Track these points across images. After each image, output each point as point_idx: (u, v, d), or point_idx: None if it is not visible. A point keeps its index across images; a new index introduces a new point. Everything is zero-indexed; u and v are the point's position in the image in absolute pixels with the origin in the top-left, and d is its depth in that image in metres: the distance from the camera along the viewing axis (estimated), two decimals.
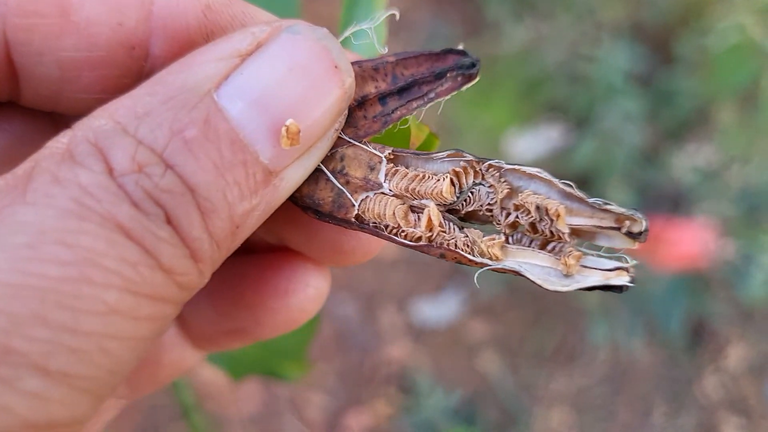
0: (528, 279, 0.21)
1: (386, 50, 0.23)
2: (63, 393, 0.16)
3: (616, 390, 1.24)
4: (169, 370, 0.30)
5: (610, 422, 1.21)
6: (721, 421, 1.19)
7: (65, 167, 0.18)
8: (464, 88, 0.23)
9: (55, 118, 0.26)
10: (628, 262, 0.21)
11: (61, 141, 0.18)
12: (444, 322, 1.29)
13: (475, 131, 1.39)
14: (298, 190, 0.22)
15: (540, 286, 0.21)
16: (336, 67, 0.21)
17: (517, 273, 0.21)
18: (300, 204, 0.23)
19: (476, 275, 0.22)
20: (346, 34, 0.23)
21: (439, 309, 1.29)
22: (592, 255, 0.21)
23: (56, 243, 0.16)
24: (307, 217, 0.24)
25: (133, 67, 0.23)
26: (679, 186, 1.28)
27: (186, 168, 0.18)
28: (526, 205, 0.22)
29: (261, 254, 0.28)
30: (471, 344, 1.28)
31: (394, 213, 0.22)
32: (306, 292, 0.28)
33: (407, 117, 0.23)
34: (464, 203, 0.23)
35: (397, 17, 0.23)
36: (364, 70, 0.23)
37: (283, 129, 0.20)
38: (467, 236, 0.22)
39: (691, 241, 1.16)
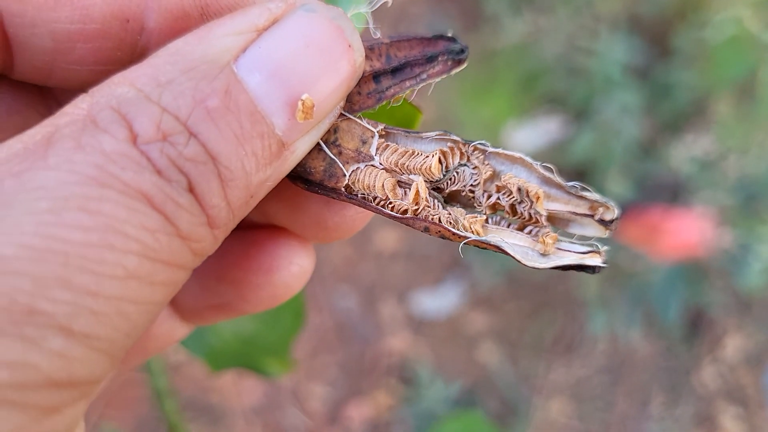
0: (508, 254, 0.22)
1: (379, 34, 0.23)
2: (84, 353, 0.16)
3: (614, 380, 1.24)
4: (158, 342, 0.30)
5: (608, 412, 1.22)
6: (718, 411, 1.20)
7: (88, 133, 0.18)
8: (453, 72, 0.24)
9: (44, 93, 0.26)
10: (600, 248, 0.22)
11: (80, 107, 0.19)
12: (444, 313, 1.29)
13: (475, 123, 1.39)
14: None
15: (519, 262, 0.22)
16: (350, 46, 0.21)
17: (498, 248, 0.22)
18: (290, 174, 0.24)
19: (459, 246, 0.23)
20: (349, 15, 0.23)
21: (438, 301, 1.30)
22: (567, 240, 0.22)
23: (79, 209, 0.17)
24: (293, 191, 0.25)
25: (127, 40, 0.23)
26: (677, 177, 1.28)
27: (209, 137, 0.19)
28: (508, 185, 0.22)
29: (246, 231, 0.29)
30: (471, 335, 1.28)
31: (383, 185, 0.23)
32: (290, 269, 0.28)
33: (400, 95, 0.24)
34: (449, 182, 0.23)
35: (390, 4, 0.24)
36: None
37: (300, 103, 0.20)
38: (450, 213, 0.23)
39: (689, 231, 1.17)
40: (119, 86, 0.19)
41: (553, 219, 0.23)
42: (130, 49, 0.23)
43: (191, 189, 0.19)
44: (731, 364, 1.22)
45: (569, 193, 0.22)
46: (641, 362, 1.25)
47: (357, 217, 0.27)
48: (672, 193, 1.28)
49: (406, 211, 0.23)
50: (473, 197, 0.23)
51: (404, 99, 0.25)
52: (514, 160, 0.23)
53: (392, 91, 0.24)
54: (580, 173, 1.33)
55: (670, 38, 1.37)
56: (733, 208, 1.19)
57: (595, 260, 0.21)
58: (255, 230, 0.29)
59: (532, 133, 1.36)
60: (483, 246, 0.22)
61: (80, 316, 0.16)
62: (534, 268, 0.22)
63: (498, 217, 0.23)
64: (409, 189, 0.23)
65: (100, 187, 0.17)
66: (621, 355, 1.25)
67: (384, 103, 0.24)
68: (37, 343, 0.16)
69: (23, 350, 0.16)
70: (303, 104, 0.20)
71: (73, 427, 0.18)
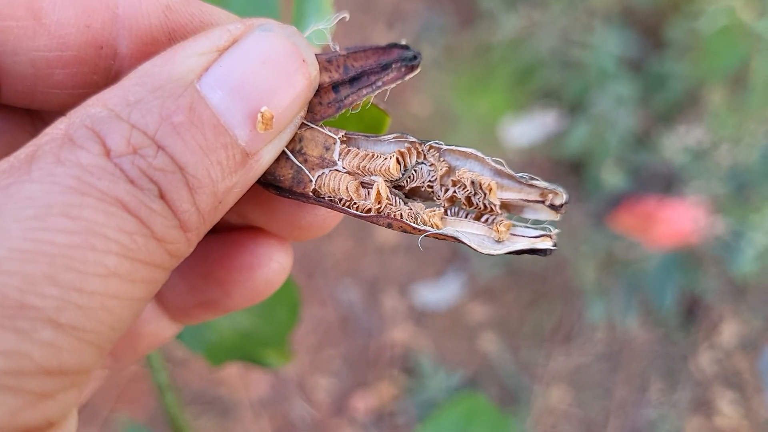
0: (464, 244, 0.24)
1: (338, 47, 0.25)
2: (72, 344, 0.18)
3: (613, 367, 1.25)
4: (148, 341, 0.32)
5: (607, 399, 1.23)
6: (716, 396, 1.21)
7: (66, 149, 0.19)
8: (407, 77, 0.25)
9: (31, 114, 0.28)
10: (552, 231, 0.23)
11: (58, 127, 0.20)
12: (444, 305, 1.30)
13: (471, 119, 1.40)
14: None
15: (475, 250, 0.24)
16: (304, 60, 0.23)
17: (455, 239, 0.24)
18: (262, 181, 0.25)
19: (419, 240, 0.25)
20: (307, 33, 0.25)
21: (439, 293, 1.31)
22: (521, 226, 0.24)
23: (61, 215, 0.18)
24: (267, 195, 0.27)
25: (102, 65, 0.25)
26: (670, 167, 1.29)
27: (176, 149, 0.20)
28: (462, 180, 0.24)
29: (227, 233, 0.30)
30: (471, 326, 1.29)
31: (347, 187, 0.25)
32: (270, 266, 0.30)
33: (358, 103, 0.25)
34: (408, 180, 0.25)
35: (347, 19, 0.26)
36: (318, 63, 0.25)
37: (259, 115, 0.22)
38: (411, 209, 0.24)
39: (683, 220, 1.18)
40: (93, 107, 0.21)
41: (508, 207, 0.24)
42: (105, 73, 0.25)
43: (162, 196, 0.20)
44: (727, 350, 1.24)
45: (520, 182, 0.24)
46: (639, 349, 1.26)
47: (328, 216, 0.28)
48: (666, 182, 1.29)
49: (369, 210, 0.25)
50: (432, 192, 0.25)
51: (372, 104, 0.26)
52: (467, 155, 0.24)
53: (350, 99, 0.25)
54: (576, 165, 1.34)
55: (663, 30, 1.38)
56: (725, 197, 1.20)
57: (545, 243, 0.23)
58: (236, 232, 0.30)
59: (528, 127, 1.37)
60: (441, 237, 0.24)
61: (67, 310, 0.18)
62: (489, 254, 0.23)
63: (456, 209, 0.25)
64: (372, 189, 0.25)
65: (80, 195, 0.19)
66: (619, 343, 1.27)
67: (344, 110, 0.25)
68: (28, 334, 0.17)
69: (17, 340, 0.17)
70: (262, 116, 0.22)
71: (66, 414, 0.19)
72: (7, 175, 0.19)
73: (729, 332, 1.24)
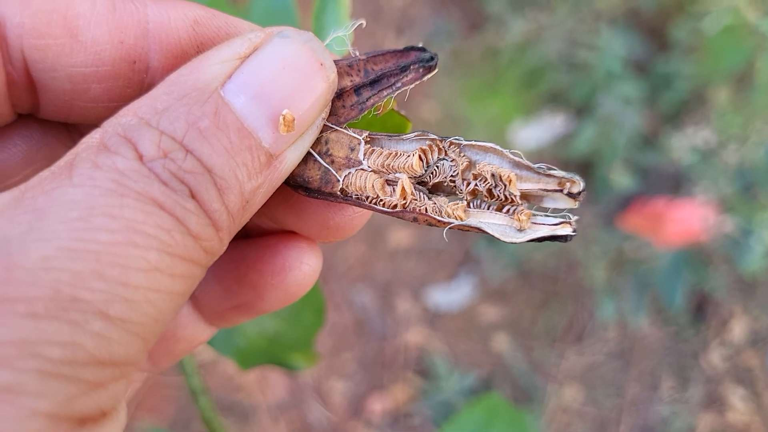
0: (488, 234, 0.25)
1: (357, 52, 0.26)
2: (120, 334, 0.19)
3: (625, 365, 1.26)
4: (185, 345, 0.33)
5: (620, 397, 1.24)
6: (727, 393, 1.22)
7: (102, 156, 0.21)
8: (426, 78, 0.27)
9: (68, 128, 0.30)
10: (571, 218, 0.24)
11: (93, 137, 0.22)
12: (457, 307, 1.31)
13: (481, 122, 1.40)
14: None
15: (498, 239, 0.24)
16: (321, 64, 0.24)
17: (479, 229, 0.25)
18: (292, 183, 0.26)
19: (445, 232, 0.26)
20: (327, 40, 0.26)
21: (452, 295, 1.32)
22: (541, 214, 0.25)
23: (104, 215, 0.19)
24: (297, 197, 0.28)
25: (135, 79, 0.26)
26: (678, 167, 1.30)
27: (203, 152, 0.22)
28: (483, 173, 0.25)
29: (260, 238, 0.31)
30: (484, 327, 1.30)
31: (372, 185, 0.26)
32: (301, 268, 0.30)
33: (379, 104, 0.27)
34: (431, 176, 0.26)
35: (363, 26, 0.27)
36: (340, 68, 0.26)
37: (281, 118, 0.23)
38: (435, 203, 0.25)
39: (692, 219, 1.18)
40: (124, 116, 0.22)
41: (528, 197, 0.25)
42: (138, 86, 0.27)
43: (193, 196, 0.21)
44: (738, 347, 1.24)
45: (538, 172, 0.25)
46: (650, 347, 1.27)
47: (356, 216, 0.29)
48: (674, 182, 1.30)
49: (395, 206, 0.26)
50: (454, 186, 0.26)
51: (394, 111, 0.28)
52: (486, 150, 0.26)
53: (372, 101, 0.26)
54: (584, 166, 1.34)
55: (668, 31, 1.39)
56: (733, 195, 1.20)
57: (565, 229, 0.24)
58: (267, 236, 0.31)
59: (537, 130, 1.38)
60: (466, 229, 0.25)
61: (115, 303, 0.19)
62: (512, 242, 0.25)
63: (478, 201, 0.26)
64: (397, 186, 0.26)
65: (119, 196, 0.20)
66: (630, 341, 1.28)
67: (366, 112, 0.26)
68: (81, 326, 0.18)
69: (71, 332, 0.18)
70: (284, 119, 0.23)
71: (116, 405, 0.20)
72: (49, 181, 0.20)
73: (739, 329, 1.25)
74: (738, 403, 1.21)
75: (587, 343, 1.29)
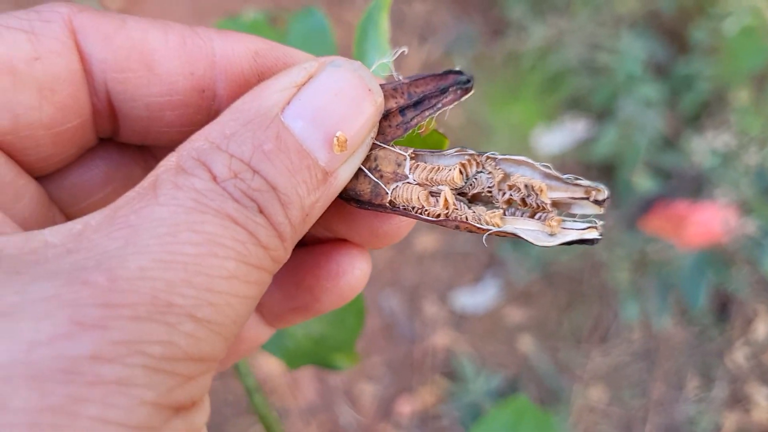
0: (522, 239, 0.27)
1: (401, 77, 0.29)
2: (207, 334, 0.21)
3: (650, 366, 1.27)
4: (248, 345, 0.36)
5: (645, 397, 1.25)
6: (752, 391, 1.22)
7: (181, 177, 0.23)
8: (463, 98, 0.29)
9: (143, 150, 0.32)
10: (597, 223, 0.26)
11: (170, 160, 0.24)
12: (483, 309, 1.32)
13: (504, 128, 1.42)
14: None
15: (532, 243, 0.27)
16: (370, 90, 0.27)
17: (514, 235, 0.27)
18: (344, 197, 0.29)
19: (484, 238, 0.27)
20: (373, 67, 0.29)
21: (478, 297, 1.33)
22: (570, 220, 0.27)
23: (188, 230, 0.21)
24: (349, 209, 0.30)
25: (204, 106, 0.28)
26: (699, 169, 1.30)
27: (268, 172, 0.24)
28: (517, 184, 0.27)
29: (316, 245, 0.34)
30: (510, 329, 1.31)
31: (418, 197, 0.28)
32: (353, 273, 0.33)
33: (422, 123, 0.29)
34: (470, 187, 0.28)
35: (406, 53, 0.30)
36: (386, 91, 0.28)
37: (335, 139, 0.25)
38: (474, 212, 0.28)
39: (714, 221, 1.19)
40: (197, 141, 0.25)
41: (558, 204, 0.27)
42: (206, 112, 0.29)
43: (261, 211, 0.24)
44: (762, 346, 1.25)
45: (566, 182, 0.27)
46: (675, 347, 1.28)
47: (401, 224, 0.32)
48: (695, 185, 1.30)
49: (439, 215, 0.28)
50: (491, 196, 0.28)
51: (434, 130, 0.30)
52: (519, 162, 0.28)
53: (415, 120, 0.29)
54: (606, 169, 1.35)
55: (687, 33, 1.39)
56: (754, 197, 1.21)
57: (593, 233, 0.26)
58: (322, 244, 0.34)
59: (559, 135, 1.39)
60: (502, 234, 0.27)
61: (202, 307, 0.21)
62: (545, 246, 0.27)
63: (513, 209, 0.28)
64: (440, 197, 0.28)
65: (200, 213, 0.22)
66: (655, 341, 1.28)
67: (410, 131, 0.29)
68: (176, 327, 0.20)
69: (168, 332, 0.20)
70: (338, 140, 0.25)
71: (203, 395, 0.23)
72: (137, 201, 0.23)
73: (763, 328, 1.26)
74: (763, 402, 1.22)
75: (612, 343, 1.30)
